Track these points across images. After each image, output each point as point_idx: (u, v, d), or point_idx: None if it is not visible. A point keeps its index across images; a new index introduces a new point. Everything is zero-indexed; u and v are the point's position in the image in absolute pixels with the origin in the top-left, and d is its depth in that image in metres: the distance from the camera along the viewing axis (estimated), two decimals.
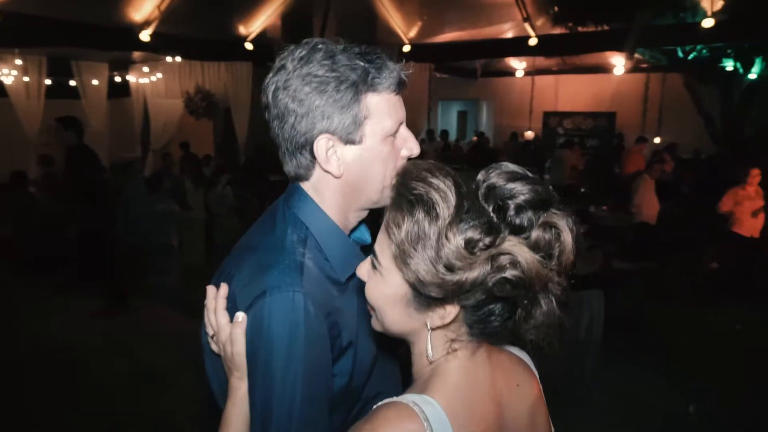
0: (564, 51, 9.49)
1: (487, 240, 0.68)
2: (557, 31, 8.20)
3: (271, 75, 0.92)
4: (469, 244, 0.67)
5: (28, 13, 6.30)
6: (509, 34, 8.91)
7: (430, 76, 10.51)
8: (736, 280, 5.63)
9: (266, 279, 0.85)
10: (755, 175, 5.62)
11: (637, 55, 8.92)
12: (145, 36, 7.46)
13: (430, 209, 0.68)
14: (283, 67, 0.90)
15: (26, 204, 6.17)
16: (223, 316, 0.87)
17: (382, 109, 0.90)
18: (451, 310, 0.73)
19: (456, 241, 0.67)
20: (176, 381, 3.73)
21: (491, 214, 0.69)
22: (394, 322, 0.78)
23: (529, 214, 0.70)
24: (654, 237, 5.73)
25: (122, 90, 10.50)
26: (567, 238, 0.70)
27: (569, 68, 11.63)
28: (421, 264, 0.68)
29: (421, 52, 9.46)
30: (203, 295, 0.93)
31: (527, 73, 12.01)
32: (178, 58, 9.02)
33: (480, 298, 0.71)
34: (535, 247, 0.69)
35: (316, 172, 0.94)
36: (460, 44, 9.21)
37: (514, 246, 0.67)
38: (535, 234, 0.69)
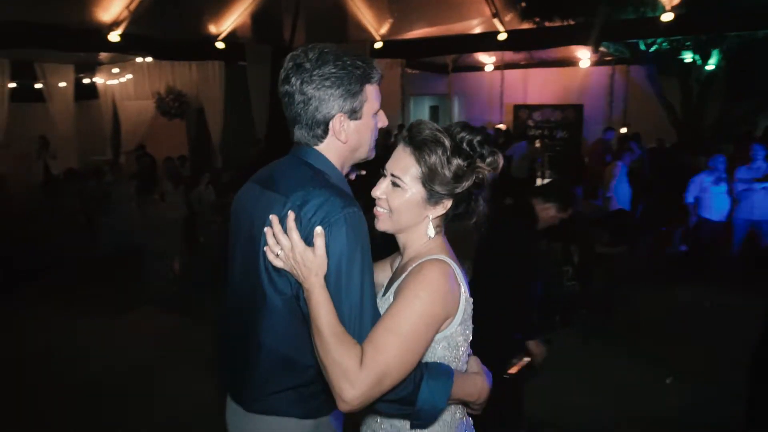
0: (532, 45, 9.76)
1: (469, 161, 1.22)
2: (525, 26, 8.42)
3: (291, 73, 1.24)
4: (461, 166, 1.21)
5: None
6: (478, 30, 9.09)
7: (402, 72, 10.61)
8: (705, 261, 5.93)
9: (337, 203, 1.16)
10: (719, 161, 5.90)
11: (602, 48, 9.22)
12: (114, 36, 7.34)
13: (444, 146, 1.20)
14: (301, 66, 1.23)
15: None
16: (296, 234, 1.13)
17: (373, 95, 1.29)
18: (448, 203, 1.25)
19: (456, 163, 1.21)
20: (165, 377, 3.76)
21: (468, 149, 1.22)
22: (408, 219, 1.26)
23: (485, 147, 1.25)
24: (629, 222, 5.98)
25: (90, 92, 10.27)
26: (500, 157, 1.27)
27: (537, 62, 11.91)
28: (440, 176, 1.20)
29: (393, 48, 9.56)
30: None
31: (496, 67, 12.23)
32: (149, 59, 8.88)
33: (463, 194, 1.24)
34: (488, 164, 1.24)
35: (327, 140, 1.29)
36: (430, 40, 9.35)
37: (480, 165, 1.23)
38: (489, 158, 1.25)
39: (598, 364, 4.06)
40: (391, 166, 1.25)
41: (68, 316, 4.86)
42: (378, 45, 9.41)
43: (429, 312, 1.11)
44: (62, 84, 9.32)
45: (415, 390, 1.11)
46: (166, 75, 9.38)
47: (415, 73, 12.19)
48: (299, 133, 1.29)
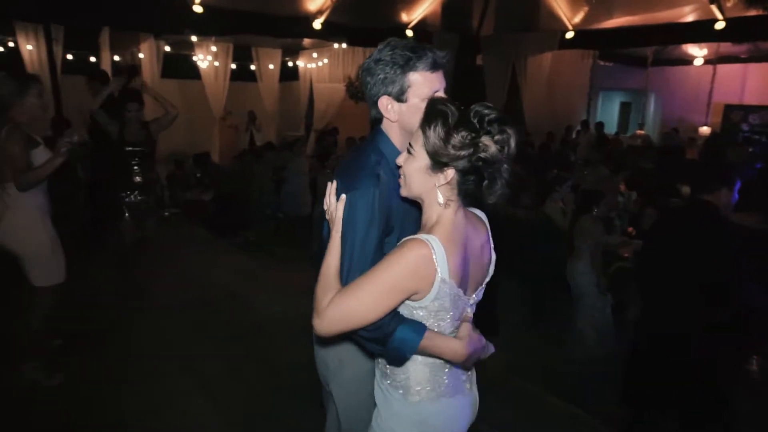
0: (759, 35, 8.32)
1: (473, 135, 1.27)
2: (752, 12, 7.23)
3: (367, 59, 1.52)
4: (464, 137, 1.27)
5: (224, 6, 7.20)
6: (690, 18, 8.05)
7: (594, 63, 9.90)
8: None
9: (358, 179, 1.45)
10: None
11: None
12: (317, 24, 8.09)
13: (445, 119, 1.28)
14: (372, 54, 1.50)
15: (225, 174, 7.10)
16: (334, 197, 1.47)
17: (420, 82, 1.46)
18: (450, 173, 1.31)
19: (457, 134, 1.27)
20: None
21: (476, 123, 1.28)
22: (418, 184, 1.37)
23: (495, 125, 1.28)
24: None
25: (292, 74, 11.47)
26: (512, 139, 1.30)
27: (761, 55, 10.15)
28: (438, 144, 1.28)
29: (586, 38, 8.97)
30: None
31: (707, 61, 10.74)
32: (344, 45, 9.59)
33: (466, 166, 1.29)
34: (496, 142, 1.28)
35: (384, 119, 1.53)
36: (631, 29, 8.55)
37: (485, 139, 1.28)
38: (497, 135, 1.28)
39: None
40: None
41: (252, 267, 5.57)
42: (569, 35, 8.91)
43: (394, 284, 1.30)
44: (271, 66, 10.54)
45: (386, 337, 1.36)
46: (357, 60, 10.03)
47: (607, 65, 11.28)
48: (371, 110, 1.56)
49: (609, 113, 14.04)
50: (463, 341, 1.42)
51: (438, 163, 1.31)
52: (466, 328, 1.45)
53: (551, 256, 4.43)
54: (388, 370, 1.49)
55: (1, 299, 4.04)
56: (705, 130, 10.70)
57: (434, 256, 1.30)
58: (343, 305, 1.32)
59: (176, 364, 3.54)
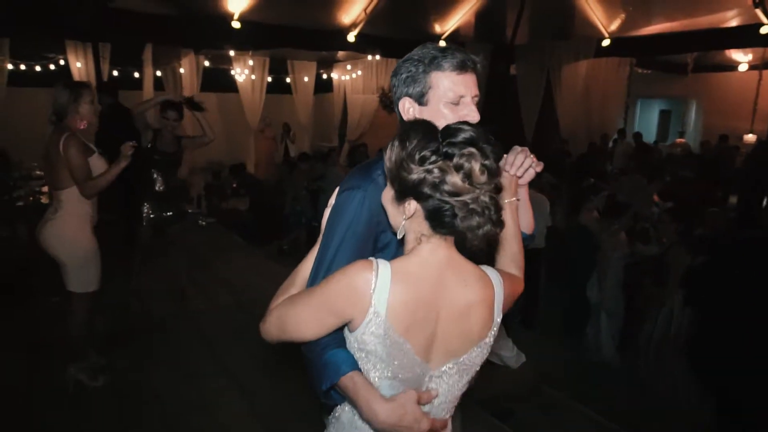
0: None
1: (432, 159, 1.07)
2: None
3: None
4: (421, 160, 1.07)
5: (261, 21, 7.39)
6: (734, 23, 7.82)
7: (631, 71, 9.70)
8: None
9: (351, 182, 1.33)
10: None
11: None
12: (351, 37, 8.21)
13: (404, 140, 1.09)
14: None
15: (261, 184, 7.28)
16: (333, 198, 1.37)
17: (443, 83, 1.30)
18: (412, 205, 1.12)
19: (411, 158, 1.07)
20: None
21: (438, 145, 1.08)
22: (390, 217, 1.20)
23: (458, 147, 1.07)
24: None
25: (326, 86, 11.65)
26: (475, 165, 1.06)
27: None
28: (394, 171, 1.11)
29: (623, 45, 8.81)
30: None
31: (752, 66, 10.38)
32: (378, 57, 9.69)
33: (427, 195, 1.08)
34: (455, 167, 1.06)
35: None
36: (670, 36, 8.35)
37: (443, 165, 1.07)
38: (456, 159, 1.06)
39: None
40: None
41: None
42: (605, 42, 8.76)
43: (328, 301, 1.14)
44: (306, 78, 10.74)
45: (317, 358, 1.21)
46: (390, 71, 10.04)
47: (645, 73, 11.03)
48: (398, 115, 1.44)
49: (648, 122, 13.70)
50: (389, 406, 1.13)
51: (397, 192, 1.13)
52: (409, 397, 1.14)
53: (585, 266, 4.37)
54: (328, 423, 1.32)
55: (43, 304, 4.23)
56: (750, 137, 10.31)
57: (373, 281, 1.09)
58: (283, 313, 1.20)
59: (214, 366, 3.65)
